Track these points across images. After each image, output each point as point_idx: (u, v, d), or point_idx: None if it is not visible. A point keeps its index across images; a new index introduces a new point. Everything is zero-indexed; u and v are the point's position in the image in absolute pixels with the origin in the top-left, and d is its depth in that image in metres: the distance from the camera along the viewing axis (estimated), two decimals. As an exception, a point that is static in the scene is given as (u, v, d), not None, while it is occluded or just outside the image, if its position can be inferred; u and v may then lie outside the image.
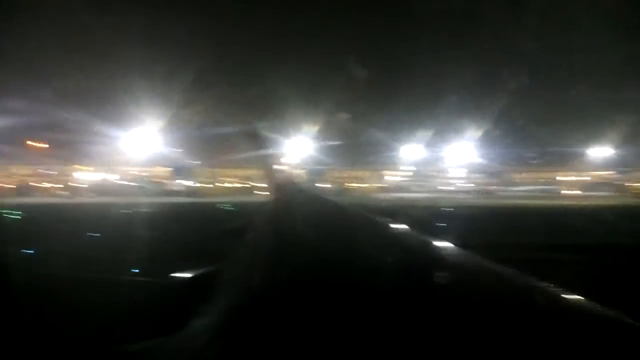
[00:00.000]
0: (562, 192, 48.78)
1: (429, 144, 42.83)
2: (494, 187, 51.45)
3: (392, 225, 4.00)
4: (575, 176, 54.21)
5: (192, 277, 4.97)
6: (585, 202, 33.70)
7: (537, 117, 42.68)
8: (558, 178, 53.83)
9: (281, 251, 3.11)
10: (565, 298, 1.83)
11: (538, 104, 40.02)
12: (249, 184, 49.46)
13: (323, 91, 39.65)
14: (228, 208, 27.68)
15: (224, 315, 2.34)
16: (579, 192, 47.97)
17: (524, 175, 56.28)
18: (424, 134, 39.82)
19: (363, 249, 3.02)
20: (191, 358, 1.88)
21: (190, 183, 46.11)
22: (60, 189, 44.82)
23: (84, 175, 47.53)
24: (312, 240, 3.50)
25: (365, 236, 3.64)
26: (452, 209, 26.25)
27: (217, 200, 34.05)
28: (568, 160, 48.61)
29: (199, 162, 47.98)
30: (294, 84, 38.35)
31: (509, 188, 52.83)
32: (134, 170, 49.65)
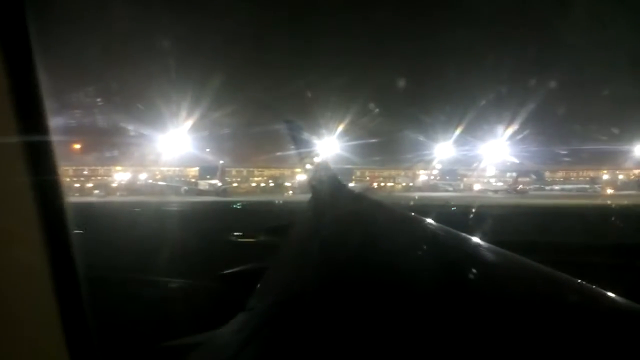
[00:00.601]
0: (600, 190, 47.25)
1: (461, 143, 42.26)
2: (528, 186, 50.31)
3: (423, 222, 4.09)
4: (613, 174, 52.42)
5: (238, 274, 5.17)
6: (625, 202, 32.53)
7: (574, 114, 41.43)
8: (595, 176, 52.18)
9: (322, 250, 3.23)
10: (603, 297, 1.88)
11: (574, 102, 38.89)
12: (279, 183, 49.94)
13: (353, 91, 39.62)
14: (266, 208, 27.97)
15: (268, 309, 2.49)
16: (618, 191, 46.35)
17: (559, 173, 54.81)
18: (456, 133, 39.33)
19: (398, 246, 3.12)
20: (237, 350, 1.99)
21: (220, 182, 46.91)
22: (94, 188, 46.35)
23: (117, 175, 49.04)
24: (350, 237, 3.61)
25: (399, 235, 3.74)
26: (479, 208, 25.95)
27: (250, 199, 34.46)
28: (605, 158, 47.06)
29: (230, 162, 48.83)
30: (323, 84, 38.46)
31: (544, 187, 51.57)
32: (166, 170, 50.89)
